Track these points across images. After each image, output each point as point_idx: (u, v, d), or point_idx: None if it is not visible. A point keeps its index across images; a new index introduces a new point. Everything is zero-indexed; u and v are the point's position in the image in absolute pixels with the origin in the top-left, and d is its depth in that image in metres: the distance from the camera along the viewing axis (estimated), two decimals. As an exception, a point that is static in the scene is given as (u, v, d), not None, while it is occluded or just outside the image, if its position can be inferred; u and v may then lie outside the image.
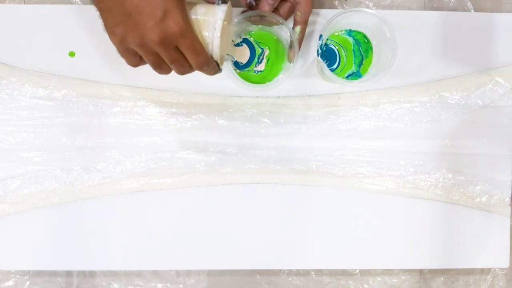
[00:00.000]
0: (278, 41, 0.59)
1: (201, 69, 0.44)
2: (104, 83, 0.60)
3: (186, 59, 0.43)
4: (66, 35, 0.59)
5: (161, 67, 0.44)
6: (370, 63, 0.59)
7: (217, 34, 0.42)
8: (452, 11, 0.63)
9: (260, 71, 0.59)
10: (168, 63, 0.43)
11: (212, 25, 0.42)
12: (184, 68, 0.44)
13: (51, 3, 0.61)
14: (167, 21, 0.39)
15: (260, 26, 0.57)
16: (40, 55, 0.59)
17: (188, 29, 0.41)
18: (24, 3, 0.61)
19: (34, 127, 0.59)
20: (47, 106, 0.59)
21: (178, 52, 0.42)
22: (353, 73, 0.60)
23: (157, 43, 0.40)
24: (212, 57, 0.44)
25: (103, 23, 0.41)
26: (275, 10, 0.54)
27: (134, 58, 0.44)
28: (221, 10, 0.43)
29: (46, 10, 0.60)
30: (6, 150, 0.59)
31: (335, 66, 0.60)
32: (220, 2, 0.45)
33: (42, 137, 0.59)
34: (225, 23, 0.43)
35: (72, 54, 0.60)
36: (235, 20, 0.51)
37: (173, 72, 0.59)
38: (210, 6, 0.44)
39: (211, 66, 0.45)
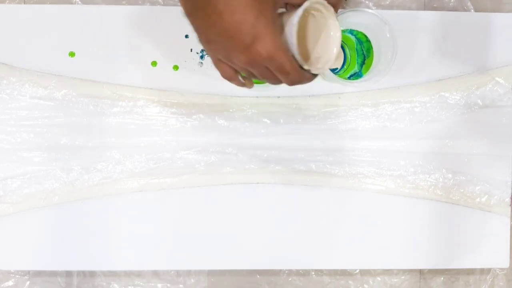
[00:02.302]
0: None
1: (295, 85, 0.43)
2: (104, 83, 0.60)
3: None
4: (66, 35, 0.59)
5: (256, 78, 0.44)
6: (371, 62, 0.59)
7: (294, 41, 0.40)
8: (452, 11, 0.63)
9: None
10: (260, 78, 0.43)
11: (288, 33, 0.41)
12: (277, 81, 0.43)
13: (51, 3, 0.61)
14: (255, 47, 0.39)
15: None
16: (40, 55, 0.59)
17: (277, 52, 0.39)
18: (24, 3, 0.61)
19: (34, 127, 0.59)
20: (47, 106, 0.59)
21: (269, 70, 0.41)
22: (355, 73, 0.60)
23: (245, 64, 0.40)
24: (300, 66, 0.42)
25: (196, 36, 0.41)
26: None
27: (227, 69, 0.43)
28: (296, 15, 0.40)
29: (46, 10, 0.60)
30: (6, 150, 0.59)
31: (343, 66, 0.60)
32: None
33: (42, 137, 0.59)
34: (313, 23, 0.42)
35: (72, 54, 0.60)
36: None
37: (173, 72, 0.60)
38: (291, 14, 0.41)
39: (305, 79, 0.43)
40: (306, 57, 0.44)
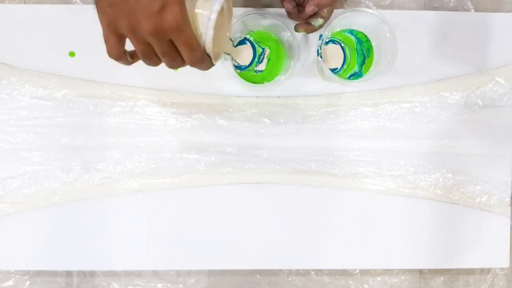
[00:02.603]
0: (278, 41, 0.59)
1: (194, 65, 0.42)
2: (104, 83, 0.60)
3: (179, 53, 0.41)
4: (66, 35, 0.59)
5: (151, 58, 0.42)
6: (371, 62, 0.59)
7: (211, 25, 0.41)
8: (452, 11, 0.63)
9: (260, 71, 0.59)
10: (160, 55, 0.41)
11: (206, 17, 0.41)
12: (176, 62, 0.42)
13: (51, 3, 0.61)
14: (164, 13, 0.37)
15: (262, 26, 0.57)
16: (40, 55, 0.59)
17: (185, 24, 0.39)
18: (24, 3, 0.61)
19: (34, 127, 0.59)
20: (47, 106, 0.59)
21: (171, 46, 0.40)
22: (355, 73, 0.60)
23: (150, 34, 0.38)
24: (205, 51, 0.43)
25: (94, 2, 0.39)
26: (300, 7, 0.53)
27: (118, 46, 0.41)
28: (217, 2, 0.41)
29: (46, 10, 0.60)
30: (6, 150, 0.59)
31: (342, 66, 0.60)
32: None
33: (42, 137, 0.59)
34: (221, 17, 0.42)
35: (72, 54, 0.60)
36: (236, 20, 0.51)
37: (172, 72, 0.60)
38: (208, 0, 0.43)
39: (205, 62, 0.43)
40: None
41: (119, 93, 0.60)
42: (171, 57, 0.41)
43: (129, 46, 0.41)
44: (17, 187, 0.59)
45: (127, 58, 0.43)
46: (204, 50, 0.42)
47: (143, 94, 0.60)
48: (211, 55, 0.43)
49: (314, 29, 0.54)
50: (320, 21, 0.53)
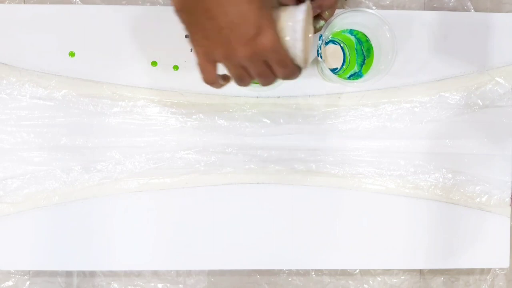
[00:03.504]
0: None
1: (287, 79, 0.43)
2: (104, 83, 0.60)
3: (272, 71, 0.42)
4: (66, 35, 0.59)
5: (245, 80, 0.43)
6: (371, 62, 0.59)
7: (299, 37, 0.40)
8: (452, 11, 0.63)
9: None
10: (255, 76, 0.42)
11: (292, 28, 0.41)
12: (270, 79, 0.43)
13: (51, 3, 0.61)
14: (260, 38, 0.38)
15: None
16: (40, 55, 0.59)
17: (279, 44, 0.40)
18: (24, 3, 0.61)
19: (34, 127, 0.59)
20: (47, 106, 0.59)
21: (266, 65, 0.41)
22: (355, 73, 0.60)
23: (247, 59, 0.39)
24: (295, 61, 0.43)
25: (189, 35, 0.40)
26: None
27: (213, 73, 0.42)
28: (300, 11, 0.41)
29: (46, 10, 0.60)
30: (6, 150, 0.59)
31: (342, 66, 0.60)
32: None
33: (42, 137, 0.59)
34: (305, 24, 0.41)
35: (72, 54, 0.60)
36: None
37: (172, 72, 0.60)
38: (289, 9, 0.42)
39: (297, 73, 0.44)
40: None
41: (119, 93, 0.60)
42: (266, 76, 0.42)
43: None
44: (17, 187, 0.59)
45: (220, 81, 0.44)
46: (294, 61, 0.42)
47: (143, 94, 0.60)
48: (302, 64, 0.43)
49: (315, 31, 0.54)
50: (321, 23, 0.53)
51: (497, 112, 0.62)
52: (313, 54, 0.46)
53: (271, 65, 0.41)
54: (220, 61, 0.41)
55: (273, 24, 0.39)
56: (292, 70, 0.42)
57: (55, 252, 0.60)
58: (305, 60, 0.43)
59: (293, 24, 0.40)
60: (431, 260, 0.62)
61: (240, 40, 0.38)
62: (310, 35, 0.45)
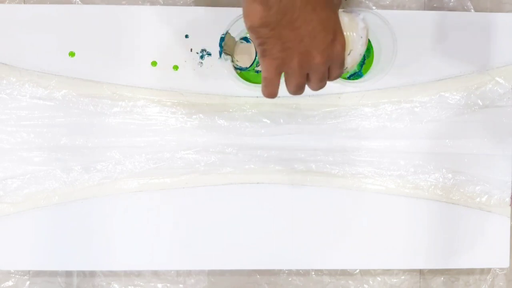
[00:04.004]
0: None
1: (332, 80, 0.44)
2: (104, 83, 0.60)
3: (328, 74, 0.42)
4: (66, 35, 0.59)
5: (302, 89, 0.43)
6: (371, 62, 0.59)
7: (364, 42, 0.42)
8: (452, 11, 0.63)
9: (260, 71, 0.59)
10: (316, 82, 0.42)
11: (358, 36, 0.42)
12: (323, 84, 0.43)
13: (51, 3, 0.61)
14: (335, 43, 0.39)
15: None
16: (40, 55, 0.59)
17: (344, 48, 0.40)
18: (24, 3, 0.61)
19: (34, 127, 0.59)
20: (47, 106, 0.59)
21: (327, 70, 0.41)
22: (355, 73, 0.60)
23: (322, 64, 0.40)
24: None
25: (261, 49, 0.39)
26: None
27: (277, 86, 0.42)
28: (361, 20, 0.42)
29: (46, 10, 0.60)
30: (6, 150, 0.59)
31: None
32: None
33: (42, 137, 0.59)
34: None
35: (72, 54, 0.60)
36: None
37: (172, 72, 0.60)
38: (351, 16, 0.43)
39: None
40: None
41: (119, 93, 0.60)
42: (324, 80, 0.42)
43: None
44: (17, 187, 0.59)
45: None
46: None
47: (143, 94, 0.60)
48: (348, 68, 0.44)
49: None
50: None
51: (497, 112, 0.62)
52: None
53: (331, 67, 0.41)
54: (291, 72, 0.40)
55: (341, 29, 0.40)
56: (342, 72, 0.43)
57: (55, 252, 0.60)
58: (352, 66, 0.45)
59: (358, 32, 0.42)
60: (431, 260, 0.62)
61: (319, 47, 0.38)
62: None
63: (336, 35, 0.39)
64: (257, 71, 0.59)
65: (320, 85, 0.43)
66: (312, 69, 0.40)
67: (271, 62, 0.39)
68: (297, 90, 0.43)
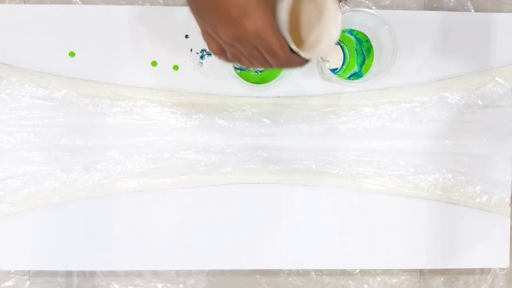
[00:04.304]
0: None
1: (283, 68, 0.42)
2: (104, 83, 0.60)
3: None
4: (66, 35, 0.59)
5: (240, 59, 0.42)
6: (371, 62, 0.59)
7: (283, 17, 0.38)
8: (452, 11, 0.63)
9: (260, 71, 0.59)
10: (248, 57, 0.41)
11: (279, 9, 0.39)
12: (265, 65, 0.41)
13: (51, 3, 0.61)
14: (242, 22, 0.37)
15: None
16: (40, 55, 0.59)
17: (266, 31, 0.38)
18: (24, 3, 0.61)
19: (34, 127, 0.59)
20: (47, 106, 0.59)
21: (257, 50, 0.40)
22: (355, 73, 0.60)
23: (232, 40, 0.39)
24: (293, 50, 0.40)
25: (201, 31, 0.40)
26: None
27: (216, 45, 0.41)
28: (285, 1, 0.39)
29: (46, 10, 0.60)
30: (6, 150, 0.59)
31: (342, 66, 0.60)
32: None
33: (42, 137, 0.59)
34: (304, 15, 0.40)
35: (72, 54, 0.60)
36: None
37: (172, 72, 0.60)
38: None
39: (294, 63, 0.42)
40: (299, 40, 0.43)
41: (119, 93, 0.60)
42: (259, 61, 0.41)
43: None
44: (17, 187, 0.59)
45: (227, 55, 0.42)
46: (291, 49, 0.40)
47: (143, 94, 0.60)
48: (292, 47, 0.40)
49: None
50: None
51: (497, 112, 0.62)
52: (331, 40, 0.42)
53: (261, 52, 0.40)
54: (213, 35, 0.40)
55: (262, 7, 0.37)
56: (284, 58, 0.40)
57: (55, 252, 0.60)
58: (307, 47, 0.41)
59: (280, 4, 0.39)
60: (431, 260, 0.61)
61: (222, 21, 0.38)
62: (322, 19, 0.42)
63: (245, 13, 0.37)
64: (257, 71, 0.59)
65: (261, 65, 0.41)
66: (228, 41, 0.39)
67: (195, 18, 0.40)
68: (232, 57, 0.42)
